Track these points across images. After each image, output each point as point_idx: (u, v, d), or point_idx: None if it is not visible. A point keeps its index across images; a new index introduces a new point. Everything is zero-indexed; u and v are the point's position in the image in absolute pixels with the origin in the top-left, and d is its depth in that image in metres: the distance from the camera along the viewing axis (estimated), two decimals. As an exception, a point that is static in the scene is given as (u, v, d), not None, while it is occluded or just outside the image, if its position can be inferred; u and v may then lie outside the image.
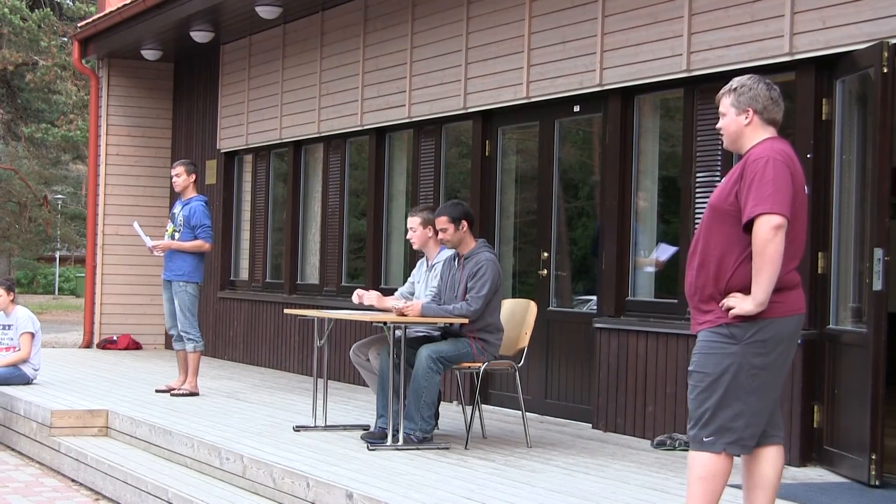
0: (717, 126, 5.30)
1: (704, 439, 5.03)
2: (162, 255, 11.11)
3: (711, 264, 5.06)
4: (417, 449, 7.96)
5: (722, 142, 5.39)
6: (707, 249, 5.08)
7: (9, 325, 11.36)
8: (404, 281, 9.44)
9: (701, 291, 5.10)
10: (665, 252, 9.20)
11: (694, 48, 8.57)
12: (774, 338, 5.00)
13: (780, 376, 5.09)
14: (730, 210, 5.03)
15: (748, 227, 4.96)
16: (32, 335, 11.29)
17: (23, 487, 8.83)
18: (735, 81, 5.22)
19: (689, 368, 5.12)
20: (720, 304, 5.02)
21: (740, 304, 4.95)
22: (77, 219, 38.33)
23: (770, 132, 5.15)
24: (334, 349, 12.22)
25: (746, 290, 4.96)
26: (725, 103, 5.20)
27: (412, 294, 8.70)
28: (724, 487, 5.07)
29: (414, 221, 8.70)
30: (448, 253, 8.57)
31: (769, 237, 4.89)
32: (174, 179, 11.16)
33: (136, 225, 11.39)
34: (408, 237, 8.86)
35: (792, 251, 5.02)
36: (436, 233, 8.50)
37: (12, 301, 11.42)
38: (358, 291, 8.60)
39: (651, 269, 9.30)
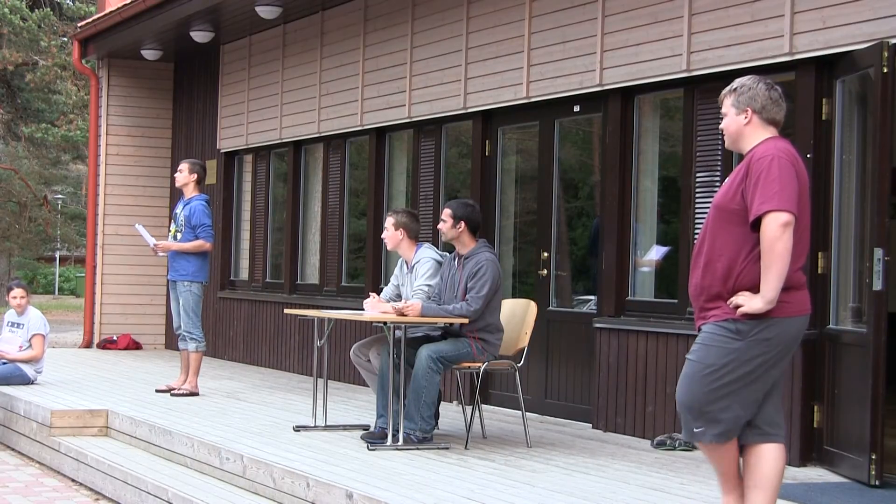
0: (720, 126, 5.34)
1: (695, 430, 5.09)
2: (165, 255, 11.13)
3: (718, 264, 5.06)
4: (417, 449, 7.96)
5: (722, 142, 5.42)
6: (713, 249, 5.09)
7: (20, 325, 11.40)
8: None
9: (707, 291, 5.10)
10: (659, 252, 9.26)
11: (694, 48, 8.57)
12: (779, 337, 5.01)
13: (776, 372, 5.10)
14: (736, 209, 5.04)
15: (755, 225, 4.97)
16: (44, 337, 11.38)
17: (23, 487, 8.83)
18: (736, 82, 5.26)
19: (688, 356, 5.13)
20: (728, 302, 5.03)
21: (749, 302, 4.96)
22: (77, 219, 38.29)
23: (771, 132, 5.17)
24: (334, 349, 12.22)
25: (755, 289, 4.97)
26: (727, 103, 5.24)
27: (398, 297, 8.69)
28: (737, 458, 5.18)
29: (388, 221, 8.73)
30: (426, 252, 8.60)
31: (777, 234, 4.90)
32: (176, 175, 11.22)
33: (138, 226, 11.40)
34: (381, 236, 8.90)
35: (798, 250, 5.03)
36: (408, 236, 8.58)
37: (27, 299, 11.54)
38: (366, 303, 8.60)
39: (647, 269, 9.32)
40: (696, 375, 5.07)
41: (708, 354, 5.06)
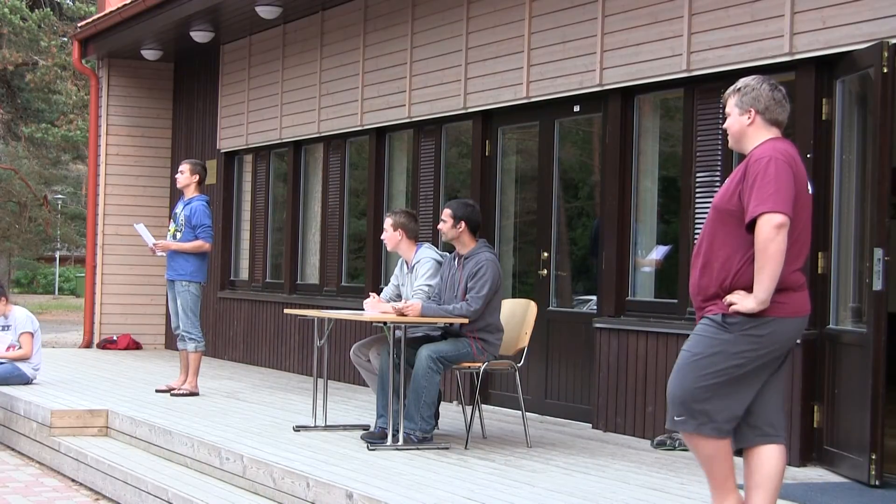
0: (724, 126, 5.37)
1: (675, 417, 5.09)
2: (164, 255, 11.13)
3: (715, 265, 5.09)
4: (417, 449, 7.96)
5: (722, 142, 5.44)
6: (711, 250, 5.12)
7: (7, 326, 11.40)
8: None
9: (705, 291, 5.14)
10: (660, 252, 9.26)
11: (694, 48, 8.57)
12: (772, 336, 5.03)
13: (765, 372, 5.11)
14: (733, 211, 5.06)
15: (751, 226, 4.98)
16: (32, 334, 11.36)
17: (23, 487, 8.83)
18: (741, 82, 5.29)
19: (682, 349, 5.18)
20: (723, 300, 5.05)
21: (742, 301, 4.99)
22: (77, 219, 38.31)
23: (773, 133, 5.18)
24: (334, 349, 12.22)
25: (750, 290, 5.00)
26: (731, 103, 5.26)
27: (399, 297, 8.69)
28: (728, 466, 5.11)
29: (387, 222, 8.73)
30: (426, 252, 8.60)
31: (771, 236, 4.92)
32: (177, 175, 11.23)
33: (138, 225, 11.40)
34: (381, 237, 8.91)
35: (795, 251, 5.04)
36: (407, 236, 8.58)
37: (6, 304, 11.47)
38: (366, 303, 8.59)
39: (647, 269, 9.32)
40: (683, 365, 5.12)
41: (697, 344, 5.11)
